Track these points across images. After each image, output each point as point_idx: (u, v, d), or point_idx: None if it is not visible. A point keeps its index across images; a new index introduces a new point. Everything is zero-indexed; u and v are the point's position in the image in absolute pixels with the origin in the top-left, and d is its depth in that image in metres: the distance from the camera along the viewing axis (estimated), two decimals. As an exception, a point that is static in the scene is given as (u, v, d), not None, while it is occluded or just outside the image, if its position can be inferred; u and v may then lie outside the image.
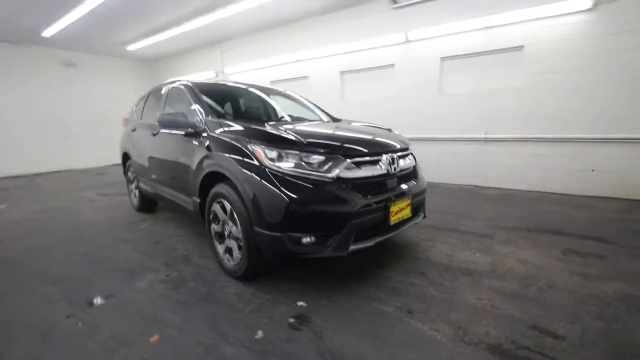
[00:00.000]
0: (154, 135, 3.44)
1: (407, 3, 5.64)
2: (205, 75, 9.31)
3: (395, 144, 2.57)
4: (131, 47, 8.84)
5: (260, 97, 3.57)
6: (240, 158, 2.18)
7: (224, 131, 2.44)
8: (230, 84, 3.59)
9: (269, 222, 2.01)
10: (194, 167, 2.67)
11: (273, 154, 2.08)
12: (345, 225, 2.02)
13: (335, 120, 3.59)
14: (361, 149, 2.27)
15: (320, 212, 1.99)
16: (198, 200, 2.69)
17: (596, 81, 4.40)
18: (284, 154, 2.08)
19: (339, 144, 2.27)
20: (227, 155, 2.27)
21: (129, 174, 4.52)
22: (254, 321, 1.92)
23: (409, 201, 2.41)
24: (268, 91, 3.72)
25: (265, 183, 2.02)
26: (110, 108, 9.80)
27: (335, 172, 2.08)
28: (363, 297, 2.16)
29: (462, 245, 2.97)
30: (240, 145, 2.22)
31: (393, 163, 2.38)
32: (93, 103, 9.73)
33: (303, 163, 2.07)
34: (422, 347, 1.68)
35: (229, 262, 2.43)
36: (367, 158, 2.26)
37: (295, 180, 2.01)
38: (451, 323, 1.87)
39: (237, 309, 2.05)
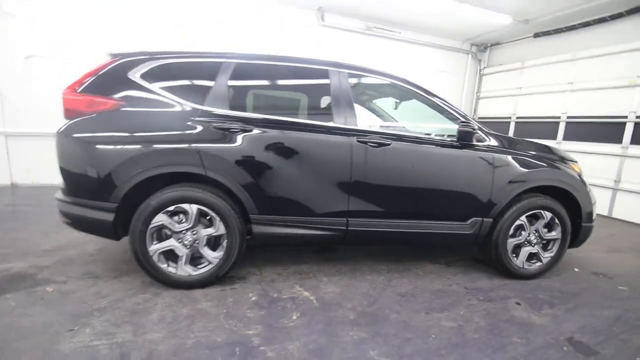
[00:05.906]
0: (374, 146, 2.47)
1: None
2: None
3: None
4: None
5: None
6: (573, 172, 2.82)
7: (512, 144, 2.77)
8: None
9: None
10: (486, 183, 2.61)
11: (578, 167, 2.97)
12: None
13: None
14: None
15: None
16: (490, 220, 2.65)
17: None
18: None
19: None
20: (564, 169, 2.78)
21: (220, 220, 2.30)
22: None
23: None
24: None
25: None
26: None
27: None
28: None
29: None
30: (560, 159, 2.85)
31: None
32: None
33: None
34: None
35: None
36: None
37: None
38: None
39: None
